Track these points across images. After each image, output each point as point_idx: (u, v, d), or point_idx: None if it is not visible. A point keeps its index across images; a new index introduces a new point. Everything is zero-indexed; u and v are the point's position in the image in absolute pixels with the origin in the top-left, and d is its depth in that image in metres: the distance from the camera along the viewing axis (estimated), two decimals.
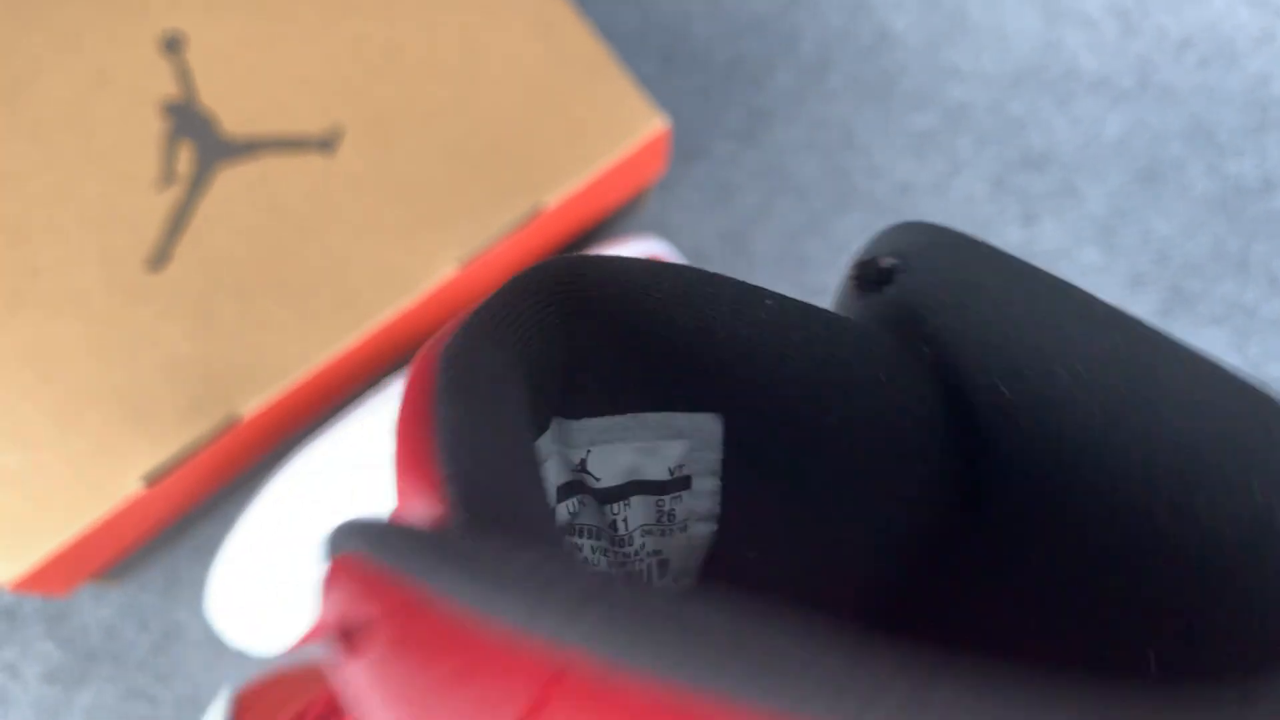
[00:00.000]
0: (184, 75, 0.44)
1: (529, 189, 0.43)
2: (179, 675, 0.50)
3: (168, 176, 0.43)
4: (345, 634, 0.14)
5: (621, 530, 0.20)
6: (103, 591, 0.50)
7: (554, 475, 0.19)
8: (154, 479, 0.41)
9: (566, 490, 0.19)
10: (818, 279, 0.53)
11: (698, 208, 0.54)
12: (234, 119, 0.44)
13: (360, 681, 0.14)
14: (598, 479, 0.20)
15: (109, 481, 0.41)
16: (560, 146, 0.43)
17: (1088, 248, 0.54)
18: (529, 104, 0.44)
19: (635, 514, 0.20)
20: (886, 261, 0.20)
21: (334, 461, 0.43)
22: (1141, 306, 0.53)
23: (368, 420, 0.43)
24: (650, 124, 0.44)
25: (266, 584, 0.42)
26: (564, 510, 0.19)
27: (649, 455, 0.20)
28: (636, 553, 0.21)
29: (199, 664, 0.50)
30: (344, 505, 0.42)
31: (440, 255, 0.42)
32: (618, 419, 0.19)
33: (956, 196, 0.54)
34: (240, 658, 0.50)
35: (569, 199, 0.43)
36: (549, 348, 0.18)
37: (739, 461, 0.20)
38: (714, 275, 0.18)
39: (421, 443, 0.15)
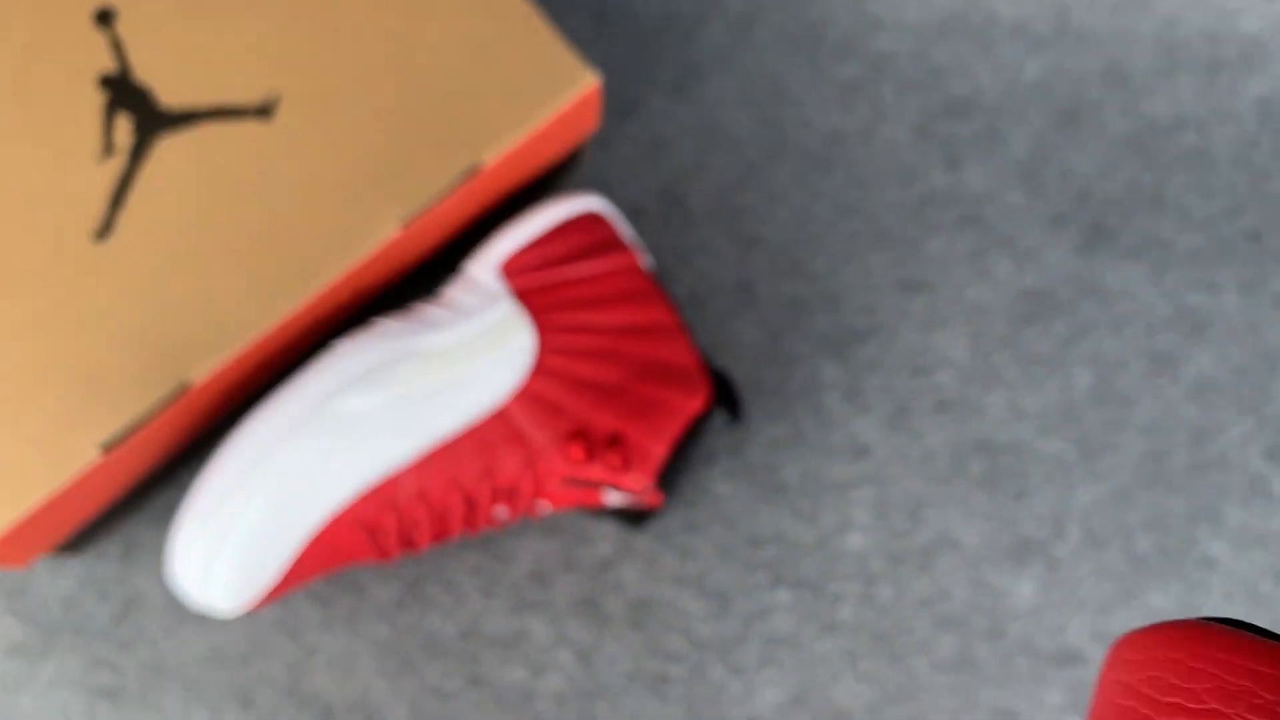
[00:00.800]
0: (117, 47, 0.45)
1: (466, 147, 0.44)
2: (142, 642, 0.51)
3: (107, 149, 0.44)
4: None
5: None
6: (60, 563, 0.51)
7: None
8: (111, 447, 0.42)
9: None
10: (754, 229, 0.55)
11: (633, 164, 0.55)
12: (170, 90, 0.44)
13: None
14: None
15: (67, 452, 0.42)
16: (495, 105, 0.44)
17: (1011, 189, 0.56)
18: (463, 64, 0.45)
19: None
20: None
21: (287, 423, 0.43)
22: (1063, 243, 0.55)
23: (318, 381, 0.44)
24: (582, 81, 0.45)
25: (226, 545, 0.43)
26: None
27: None
28: None
29: (161, 631, 0.51)
30: (298, 464, 0.43)
31: (382, 215, 0.43)
32: None
33: (882, 144, 0.56)
34: (203, 621, 0.50)
35: (506, 157, 0.44)
36: None
37: None
38: None
39: None
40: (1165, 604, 0.51)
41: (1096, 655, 0.51)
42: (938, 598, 0.51)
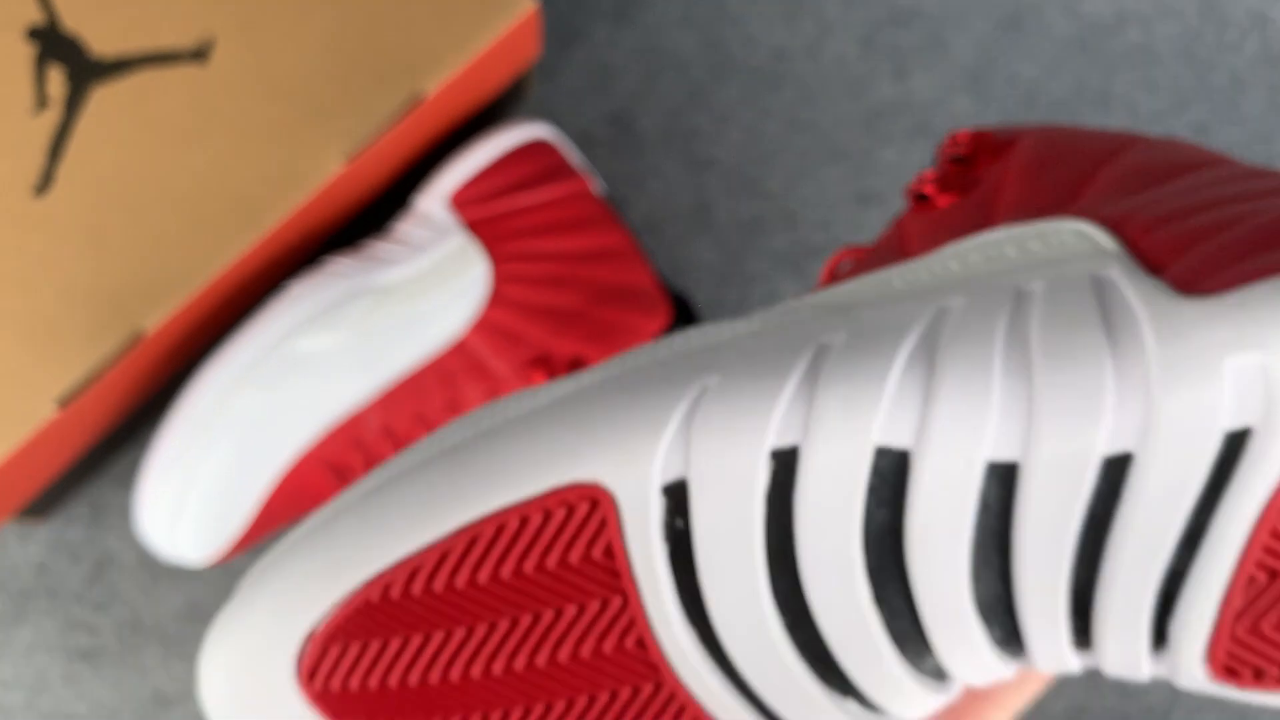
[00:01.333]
0: None
1: (406, 77, 0.43)
2: (117, 602, 0.50)
3: (40, 101, 0.43)
4: None
5: None
6: (28, 530, 0.51)
7: None
8: (68, 401, 0.41)
9: None
10: (706, 151, 0.55)
11: (581, 93, 0.55)
12: (101, 38, 0.44)
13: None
14: None
15: (22, 409, 0.41)
16: (433, 33, 0.44)
17: (959, 97, 0.56)
18: None
19: None
20: None
21: (244, 367, 0.43)
22: None
23: (273, 324, 0.44)
24: (519, 6, 0.44)
25: (191, 494, 0.43)
26: None
27: None
28: None
29: (136, 589, 0.50)
30: (258, 408, 0.43)
31: (326, 151, 0.43)
32: None
33: (829, 58, 0.56)
34: (177, 576, 0.50)
35: (447, 86, 0.44)
36: None
37: None
38: None
39: None
40: None
41: None
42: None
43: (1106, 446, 0.20)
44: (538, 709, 0.23)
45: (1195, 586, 0.21)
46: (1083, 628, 0.22)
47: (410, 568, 0.22)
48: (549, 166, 0.47)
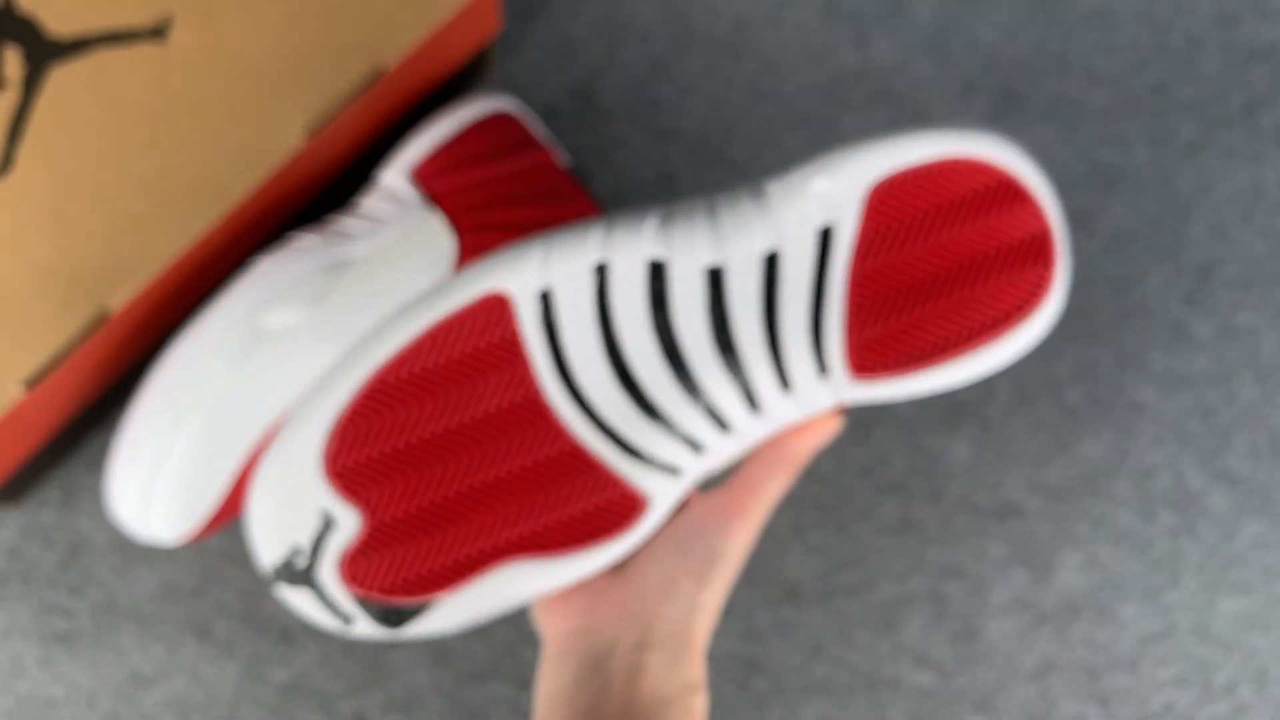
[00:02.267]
0: None
1: (366, 51, 0.43)
2: (91, 585, 0.50)
3: None
4: None
5: None
6: (0, 516, 0.51)
7: None
8: (35, 381, 0.41)
9: None
10: (669, 122, 0.55)
11: (543, 67, 0.55)
12: (58, 17, 0.43)
13: None
14: None
15: None
16: (392, 7, 0.44)
17: (919, 62, 0.56)
18: None
19: None
20: None
21: (212, 344, 0.43)
22: (975, 111, 0.56)
23: (240, 300, 0.44)
24: None
25: (161, 474, 0.43)
26: None
27: None
28: None
29: (109, 571, 0.50)
30: (226, 385, 0.43)
31: (287, 127, 0.43)
32: None
33: (790, 27, 0.56)
34: (151, 558, 0.50)
35: (408, 59, 0.44)
36: None
37: None
38: None
39: None
40: (1097, 450, 0.53)
41: (1034, 507, 0.52)
42: (877, 466, 0.52)
43: (763, 248, 0.35)
44: (476, 446, 0.36)
45: (827, 316, 0.35)
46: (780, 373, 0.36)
47: (394, 365, 0.35)
48: (512, 139, 0.47)
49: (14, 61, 0.43)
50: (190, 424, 0.43)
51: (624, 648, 0.36)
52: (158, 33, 0.43)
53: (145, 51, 0.43)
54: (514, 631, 0.50)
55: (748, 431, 0.36)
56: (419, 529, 0.36)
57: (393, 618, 0.37)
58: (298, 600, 0.37)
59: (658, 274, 0.35)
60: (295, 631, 0.50)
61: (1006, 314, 0.36)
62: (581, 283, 0.35)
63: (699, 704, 0.37)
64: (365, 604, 0.37)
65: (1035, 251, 0.36)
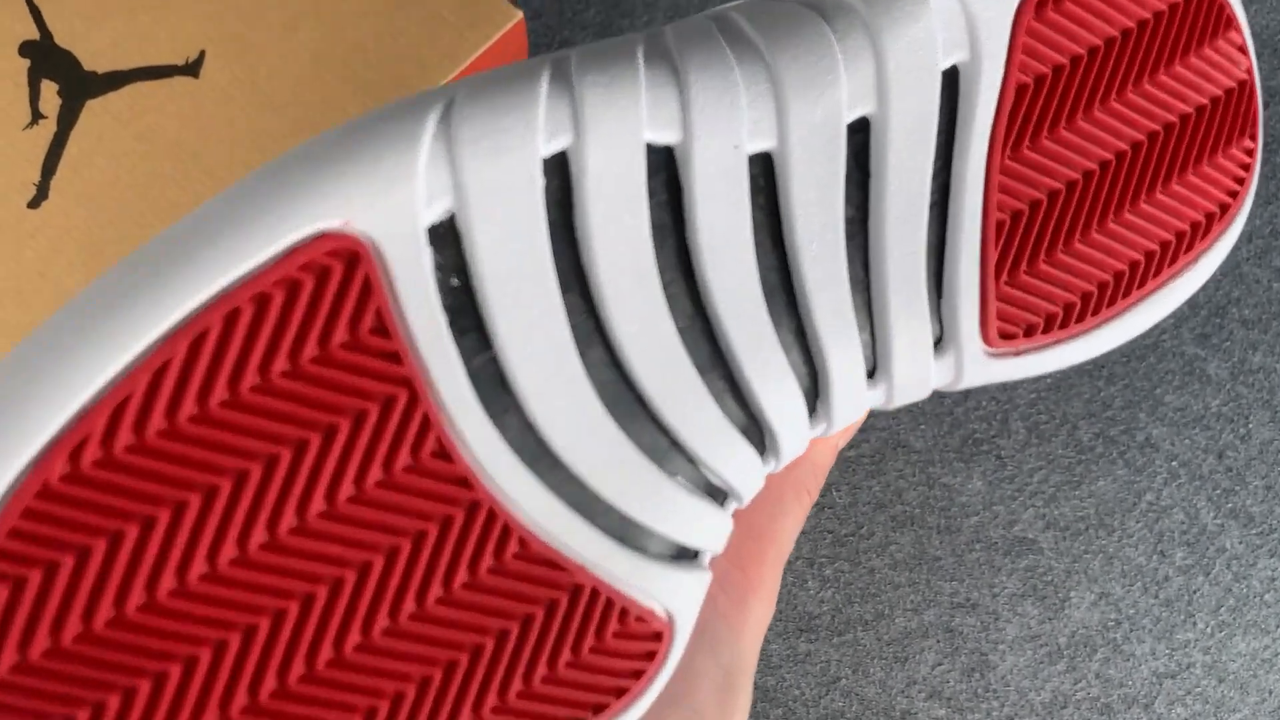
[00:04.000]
0: (36, 13, 0.45)
1: (393, 88, 0.44)
2: None
3: (34, 116, 0.44)
4: None
5: None
6: None
7: None
8: None
9: None
10: None
11: None
12: (94, 52, 0.44)
13: None
14: None
15: None
16: (421, 44, 0.45)
17: None
18: (388, 6, 0.45)
19: None
20: None
21: None
22: None
23: None
24: (507, 17, 0.45)
25: None
26: None
27: None
28: None
29: None
30: None
31: None
32: None
33: None
34: None
35: None
36: None
37: None
38: None
39: None
40: (1111, 488, 0.53)
41: (1047, 543, 0.52)
42: (891, 499, 0.52)
43: (850, 111, 0.20)
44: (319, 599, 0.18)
45: (954, 247, 0.21)
46: (869, 343, 0.21)
47: (110, 406, 0.16)
48: None
49: (51, 95, 0.44)
50: None
51: None
52: (191, 68, 0.44)
53: (178, 86, 0.44)
54: None
55: (792, 451, 0.22)
56: None
57: None
58: None
59: (662, 169, 0.20)
60: None
61: (1207, 220, 0.23)
62: (526, 192, 0.18)
63: None
64: None
65: (1241, 111, 0.23)
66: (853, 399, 0.21)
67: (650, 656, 0.21)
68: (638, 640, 0.21)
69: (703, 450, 0.20)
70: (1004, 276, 0.22)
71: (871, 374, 0.22)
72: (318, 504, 0.17)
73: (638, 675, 0.21)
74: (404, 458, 0.18)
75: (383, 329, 0.17)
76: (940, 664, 0.52)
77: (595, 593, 0.20)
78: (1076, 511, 0.53)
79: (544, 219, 0.18)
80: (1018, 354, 0.23)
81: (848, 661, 0.52)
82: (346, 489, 0.18)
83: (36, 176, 0.43)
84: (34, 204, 0.43)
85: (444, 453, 0.18)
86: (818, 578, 0.52)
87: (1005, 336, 0.22)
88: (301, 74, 0.44)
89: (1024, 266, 0.22)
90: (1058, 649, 0.52)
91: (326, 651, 0.18)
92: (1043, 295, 0.22)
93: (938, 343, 0.22)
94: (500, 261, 0.18)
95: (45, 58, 0.44)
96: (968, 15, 0.20)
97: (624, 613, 0.21)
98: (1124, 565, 0.53)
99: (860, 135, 0.20)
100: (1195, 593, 0.53)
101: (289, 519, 0.17)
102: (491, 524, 0.19)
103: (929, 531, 0.52)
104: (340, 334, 0.17)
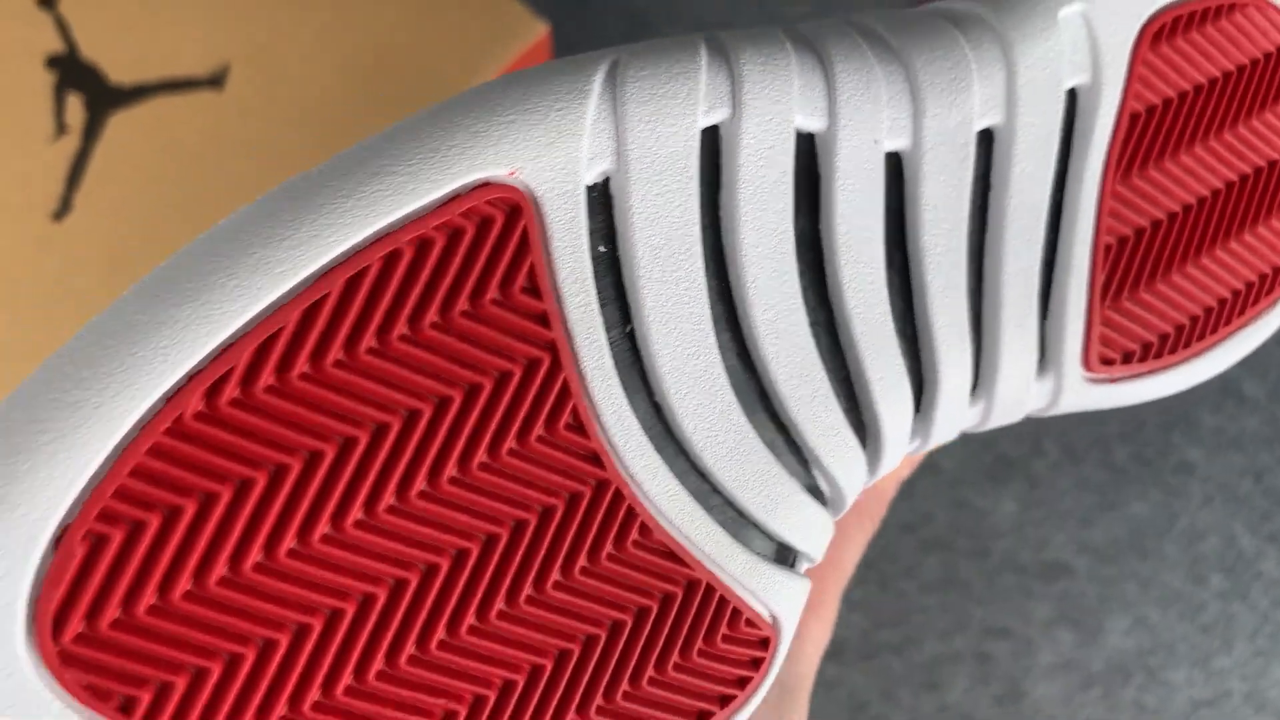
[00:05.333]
0: (62, 27, 0.45)
1: (418, 102, 0.44)
2: None
3: (59, 129, 0.44)
4: None
5: None
6: None
7: None
8: None
9: None
10: None
11: None
12: (119, 66, 0.44)
13: None
14: None
15: None
16: (446, 58, 0.44)
17: None
18: (410, 19, 0.45)
19: None
20: None
21: None
22: None
23: None
24: (531, 31, 0.45)
25: None
26: None
27: None
28: None
29: None
30: None
31: None
32: None
33: None
34: None
35: None
36: None
37: None
38: None
39: None
40: (1145, 510, 0.52)
41: (1082, 567, 0.51)
42: (921, 522, 0.52)
43: (979, 120, 0.20)
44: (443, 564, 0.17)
45: (1063, 267, 0.21)
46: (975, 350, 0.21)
47: (256, 341, 0.15)
48: None
49: (76, 108, 0.44)
50: None
51: None
52: (215, 81, 0.44)
53: (202, 98, 0.44)
54: None
55: (890, 463, 0.21)
56: None
57: None
58: None
59: (802, 155, 0.19)
60: None
61: None
62: (684, 160, 0.18)
63: None
64: None
65: None
66: (954, 415, 0.21)
67: (757, 664, 0.20)
68: (746, 646, 0.20)
69: (820, 449, 0.20)
70: (1108, 301, 0.22)
71: (972, 391, 0.21)
72: (450, 469, 0.17)
73: (743, 683, 0.20)
74: (539, 427, 0.17)
75: (534, 289, 0.17)
76: (971, 691, 0.51)
77: (710, 590, 0.19)
78: (1110, 535, 0.52)
79: (697, 193, 0.18)
80: (1113, 381, 0.23)
81: (876, 687, 0.51)
82: (480, 455, 0.17)
83: (61, 189, 0.43)
84: (58, 216, 0.43)
85: (579, 425, 0.18)
86: (845, 601, 0.51)
87: (1105, 362, 0.22)
88: (325, 87, 0.44)
89: (1127, 292, 0.22)
90: (1092, 676, 0.51)
91: (440, 631, 0.17)
92: (1142, 323, 0.23)
93: (1038, 364, 0.22)
94: (653, 231, 0.18)
95: (71, 71, 0.44)
96: (1092, 39, 0.21)
97: (735, 614, 0.20)
98: (1160, 590, 0.51)
99: (984, 147, 0.21)
100: (1232, 618, 0.51)
101: (420, 483, 0.16)
102: (617, 506, 0.18)
103: (959, 555, 0.51)
104: (493, 289, 0.17)
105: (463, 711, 0.17)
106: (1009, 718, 0.51)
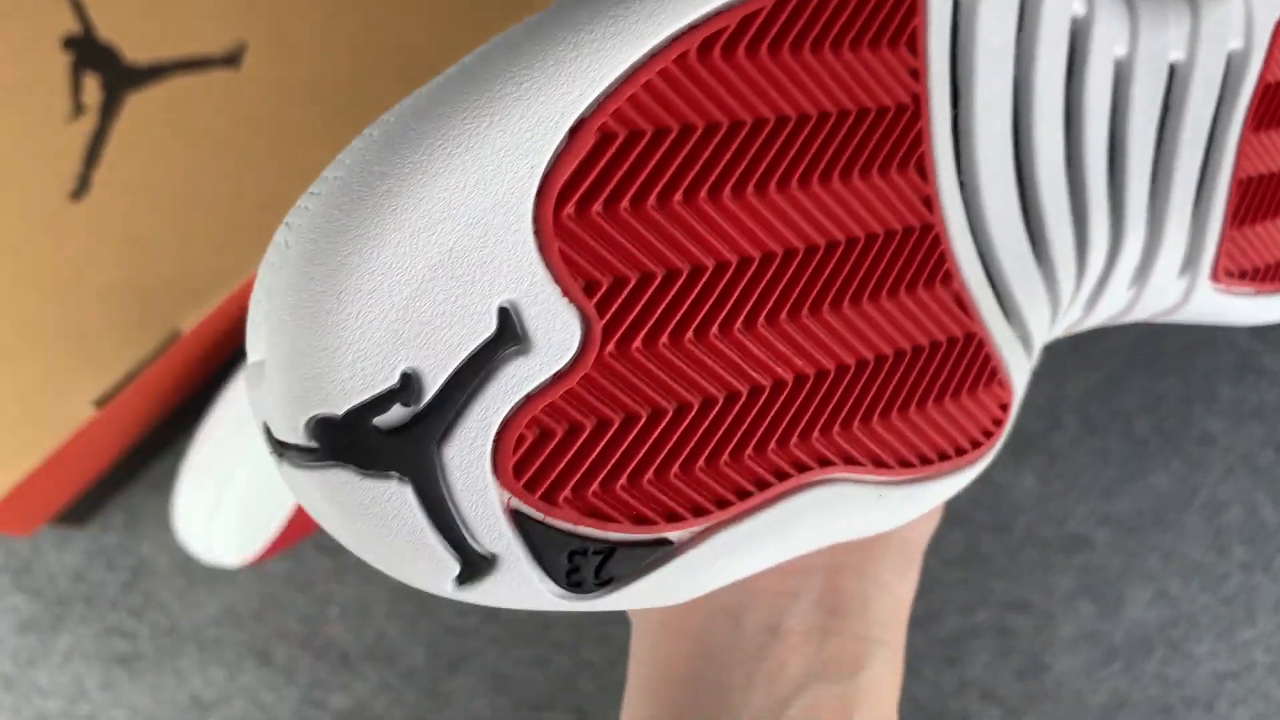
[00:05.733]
0: (78, 8, 0.44)
1: (438, 72, 0.44)
2: (153, 608, 0.51)
3: (76, 109, 0.44)
4: None
5: None
6: (65, 537, 0.51)
7: None
8: (104, 401, 0.42)
9: None
10: None
11: None
12: (135, 45, 0.44)
13: None
14: None
15: (60, 411, 0.41)
16: (461, 35, 0.44)
17: None
18: None
19: None
20: None
21: None
22: None
23: None
24: (547, 4, 0.45)
25: (227, 494, 0.43)
26: None
27: None
28: None
29: (172, 595, 0.51)
30: None
31: None
32: None
33: None
34: (214, 582, 0.50)
35: None
36: None
37: None
38: None
39: None
40: (1167, 482, 0.52)
41: (1102, 540, 0.51)
42: None
43: (1171, 51, 0.25)
44: (811, 245, 0.20)
45: (1210, 186, 0.26)
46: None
47: (715, 27, 0.18)
48: None
49: (93, 88, 0.44)
50: (257, 447, 0.43)
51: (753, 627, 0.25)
52: (231, 59, 0.44)
53: (218, 77, 0.44)
54: (572, 661, 0.50)
55: (1064, 308, 0.25)
56: (690, 376, 0.19)
57: (578, 563, 0.19)
58: (350, 495, 0.17)
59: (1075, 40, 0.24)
60: (354, 657, 0.50)
61: None
62: (1005, 13, 0.22)
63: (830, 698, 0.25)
64: (531, 528, 0.18)
65: None
66: (1119, 288, 0.25)
67: (997, 425, 0.24)
68: (991, 407, 0.23)
69: (1060, 260, 0.24)
70: (1236, 222, 0.26)
71: (1135, 271, 0.26)
72: (817, 176, 0.20)
73: (977, 444, 0.23)
74: (894, 161, 0.21)
75: (913, 46, 0.21)
76: (993, 665, 0.51)
77: (981, 344, 0.23)
78: (1132, 507, 0.52)
79: (1015, 24, 0.22)
80: (1230, 292, 0.27)
81: None
82: (836, 172, 0.20)
83: (79, 168, 0.43)
84: (76, 195, 0.43)
85: (922, 170, 0.21)
86: None
87: (1228, 274, 0.27)
88: (341, 65, 0.44)
89: (1248, 221, 0.27)
90: (1114, 649, 0.51)
91: (761, 319, 0.20)
92: (1257, 249, 0.27)
93: (1182, 261, 0.26)
94: (991, 38, 0.22)
95: (87, 51, 0.44)
96: (1249, 16, 0.26)
97: (993, 374, 0.23)
98: (1181, 562, 0.51)
99: (1169, 77, 0.26)
100: (1255, 590, 0.51)
101: (793, 182, 0.20)
102: (934, 249, 0.22)
103: (980, 529, 0.51)
104: (888, 34, 0.21)
105: (766, 390, 0.20)
106: (1031, 692, 0.50)
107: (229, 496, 0.43)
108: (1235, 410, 0.52)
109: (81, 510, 0.49)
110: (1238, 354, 0.53)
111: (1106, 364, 0.53)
